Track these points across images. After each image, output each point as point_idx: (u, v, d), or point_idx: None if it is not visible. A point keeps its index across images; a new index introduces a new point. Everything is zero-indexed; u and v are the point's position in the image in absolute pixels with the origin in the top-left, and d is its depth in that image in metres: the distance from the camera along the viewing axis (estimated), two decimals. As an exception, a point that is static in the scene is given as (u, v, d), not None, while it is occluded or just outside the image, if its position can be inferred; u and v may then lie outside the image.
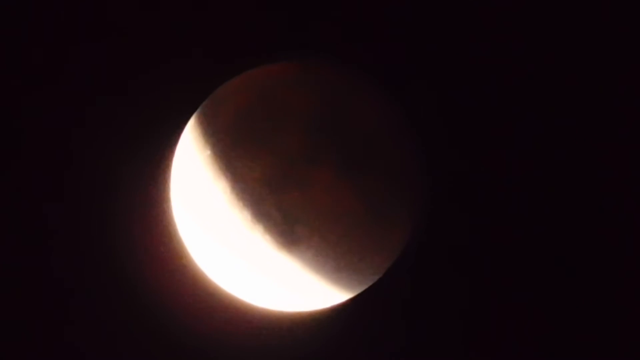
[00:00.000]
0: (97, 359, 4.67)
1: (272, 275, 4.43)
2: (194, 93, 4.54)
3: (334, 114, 4.40)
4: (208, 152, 4.40)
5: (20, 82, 4.54)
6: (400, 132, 4.55)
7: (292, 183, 4.30)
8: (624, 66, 4.69)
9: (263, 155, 4.30)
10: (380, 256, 4.57)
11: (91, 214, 4.64)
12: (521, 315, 4.77)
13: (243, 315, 4.70)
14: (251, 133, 4.35)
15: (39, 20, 4.50)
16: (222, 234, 4.37)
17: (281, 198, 4.29)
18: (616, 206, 4.73)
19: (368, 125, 4.46)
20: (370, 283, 4.62)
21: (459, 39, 4.62)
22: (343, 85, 4.53)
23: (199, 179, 4.40)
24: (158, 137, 4.59)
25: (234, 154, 4.34)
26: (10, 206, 4.59)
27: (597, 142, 4.73)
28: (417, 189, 4.56)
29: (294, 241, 4.33)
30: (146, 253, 4.66)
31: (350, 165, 4.35)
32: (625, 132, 4.70)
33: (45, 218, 4.63)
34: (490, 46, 4.63)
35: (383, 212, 4.44)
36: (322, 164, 4.32)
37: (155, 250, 4.66)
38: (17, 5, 4.48)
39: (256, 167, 4.30)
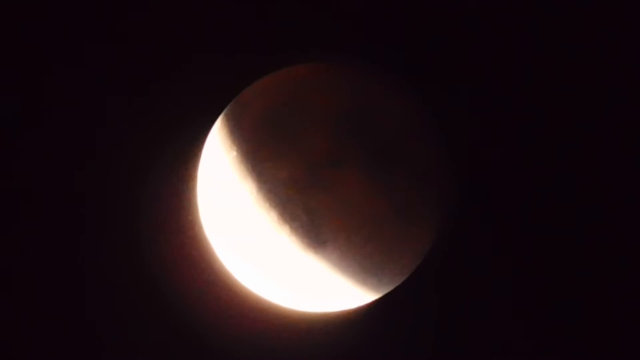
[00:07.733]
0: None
1: (298, 277, 4.43)
2: (220, 94, 4.54)
3: (360, 115, 4.39)
4: (234, 153, 4.40)
5: (46, 76, 4.55)
6: (427, 132, 4.54)
7: (319, 184, 4.30)
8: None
9: (289, 156, 4.30)
10: (407, 257, 4.56)
11: (116, 216, 4.64)
12: (550, 317, 4.75)
13: (269, 316, 4.70)
14: (278, 134, 4.35)
15: (68, 18, 4.51)
16: (248, 236, 4.37)
17: (308, 199, 4.29)
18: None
19: (395, 126, 4.45)
20: (396, 284, 4.62)
21: (486, 38, 4.60)
22: (369, 86, 4.52)
23: (225, 180, 4.41)
24: (184, 139, 4.60)
25: (261, 155, 4.34)
26: (31, 205, 4.60)
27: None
28: (443, 190, 4.55)
29: (321, 242, 4.33)
30: (173, 256, 4.66)
31: (377, 167, 4.34)
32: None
33: (70, 217, 4.64)
34: (517, 46, 4.62)
35: (409, 213, 4.44)
36: (349, 165, 4.31)
37: (181, 253, 4.67)
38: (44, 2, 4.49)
39: (283, 168, 4.30)
